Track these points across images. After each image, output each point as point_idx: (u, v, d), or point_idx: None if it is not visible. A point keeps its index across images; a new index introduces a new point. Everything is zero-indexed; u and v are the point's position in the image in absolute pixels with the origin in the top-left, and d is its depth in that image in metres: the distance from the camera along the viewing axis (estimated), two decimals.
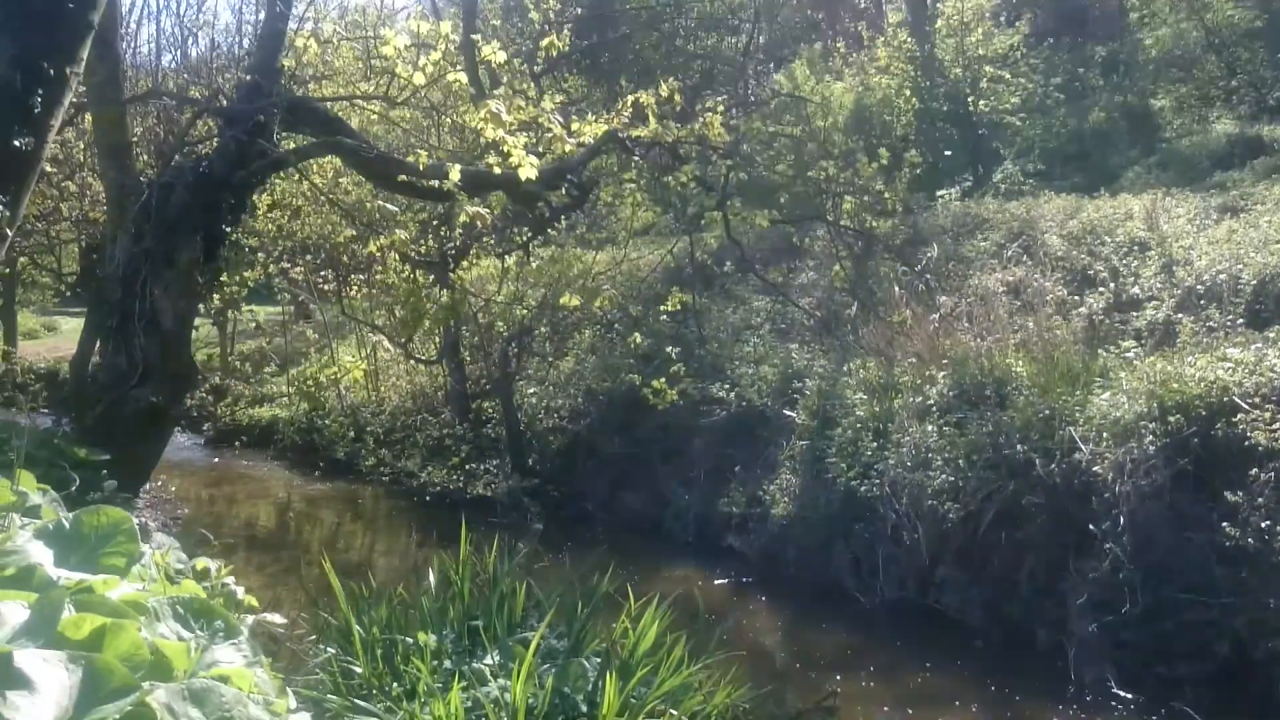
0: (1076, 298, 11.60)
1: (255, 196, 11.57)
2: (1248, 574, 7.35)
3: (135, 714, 1.64)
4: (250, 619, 2.39)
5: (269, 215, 12.18)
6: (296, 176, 10.99)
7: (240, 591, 2.45)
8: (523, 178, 5.48)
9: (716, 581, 10.61)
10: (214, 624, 2.15)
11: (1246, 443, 7.58)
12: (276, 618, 2.37)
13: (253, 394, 19.79)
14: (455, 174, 5.38)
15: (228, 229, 5.20)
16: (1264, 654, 7.01)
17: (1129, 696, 7.40)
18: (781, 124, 8.94)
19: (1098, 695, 7.50)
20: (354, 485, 15.72)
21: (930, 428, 9.63)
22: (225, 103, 5.86)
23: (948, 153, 19.35)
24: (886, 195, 8.04)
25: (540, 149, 6.18)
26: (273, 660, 5.03)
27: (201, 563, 2.40)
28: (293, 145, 6.38)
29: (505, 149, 4.99)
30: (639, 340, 9.90)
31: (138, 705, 1.63)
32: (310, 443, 17.51)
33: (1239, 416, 7.72)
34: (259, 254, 14.41)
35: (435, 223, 13.75)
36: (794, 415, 11.43)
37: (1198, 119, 18.24)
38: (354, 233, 10.81)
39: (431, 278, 10.56)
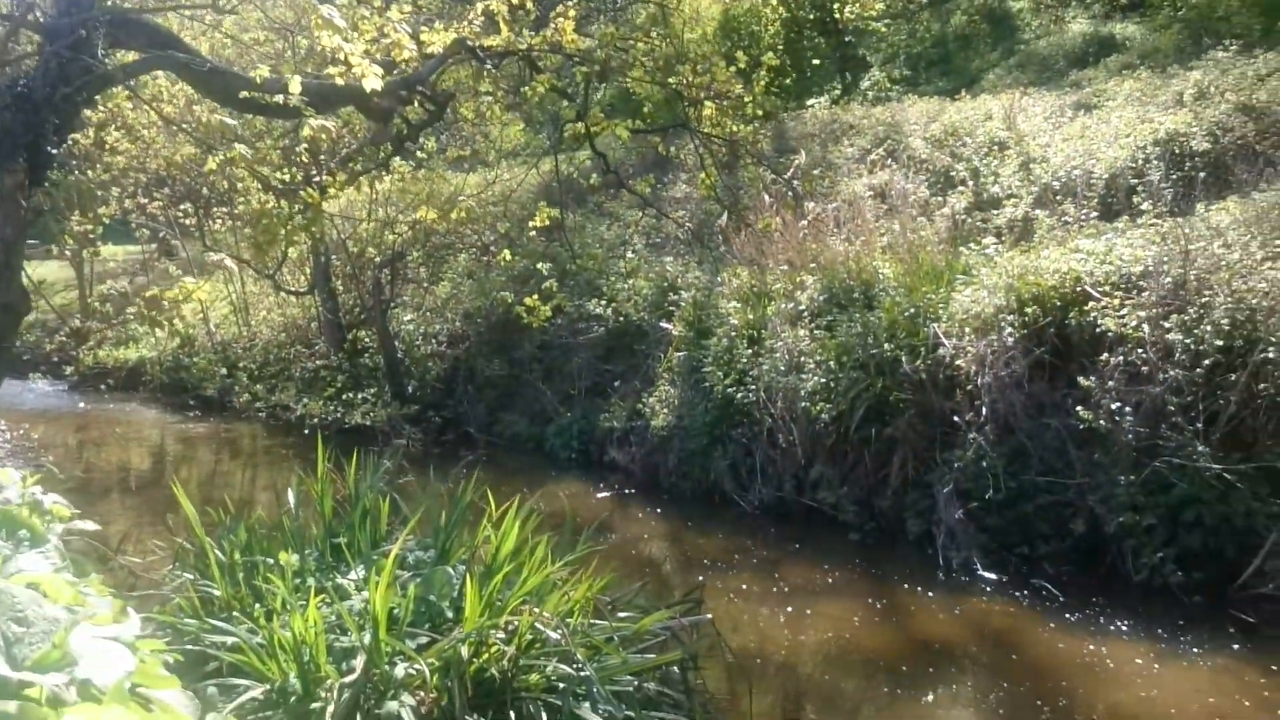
0: (940, 198, 11.83)
1: (103, 130, 11.08)
2: (1100, 455, 7.68)
3: None
4: (60, 528, 2.30)
5: (117, 147, 11.61)
6: (146, 106, 10.50)
7: (48, 501, 2.34)
8: (368, 89, 5.29)
9: (599, 495, 10.69)
10: (17, 533, 2.05)
11: (1098, 329, 7.86)
12: (87, 524, 2.28)
13: (117, 335, 19.11)
14: (295, 85, 5.17)
15: (53, 150, 4.92)
16: (1115, 529, 7.35)
17: (993, 577, 7.71)
18: (650, 37, 8.83)
19: (965, 578, 7.80)
20: (228, 422, 15.38)
21: (802, 332, 9.77)
22: (41, 16, 5.52)
23: (816, 61, 19.43)
24: (746, 99, 8.01)
25: (387, 56, 5.98)
26: (130, 590, 4.92)
27: (4, 474, 2.29)
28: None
29: (344, 58, 4.81)
30: (509, 257, 9.80)
31: None
32: (180, 381, 17.07)
33: (1090, 305, 7.99)
34: (112, 189, 13.81)
35: (295, 149, 13.32)
36: (670, 327, 11.49)
37: (1054, 19, 18.61)
38: (193, 150, 10.38)
39: (295, 205, 10.24)
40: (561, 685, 3.89)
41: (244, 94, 6.17)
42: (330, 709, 3.66)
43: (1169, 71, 12.65)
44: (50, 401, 17.96)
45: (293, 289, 15.95)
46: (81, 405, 17.50)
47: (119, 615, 2.38)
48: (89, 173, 13.12)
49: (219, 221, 16.35)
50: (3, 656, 1.68)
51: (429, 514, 5.16)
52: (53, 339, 18.92)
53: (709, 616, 5.08)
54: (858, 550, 8.55)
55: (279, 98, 6.25)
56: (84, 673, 1.69)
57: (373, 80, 5.18)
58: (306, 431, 13.72)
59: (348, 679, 3.74)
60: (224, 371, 16.52)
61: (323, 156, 12.06)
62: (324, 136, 5.23)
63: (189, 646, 4.04)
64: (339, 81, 5.76)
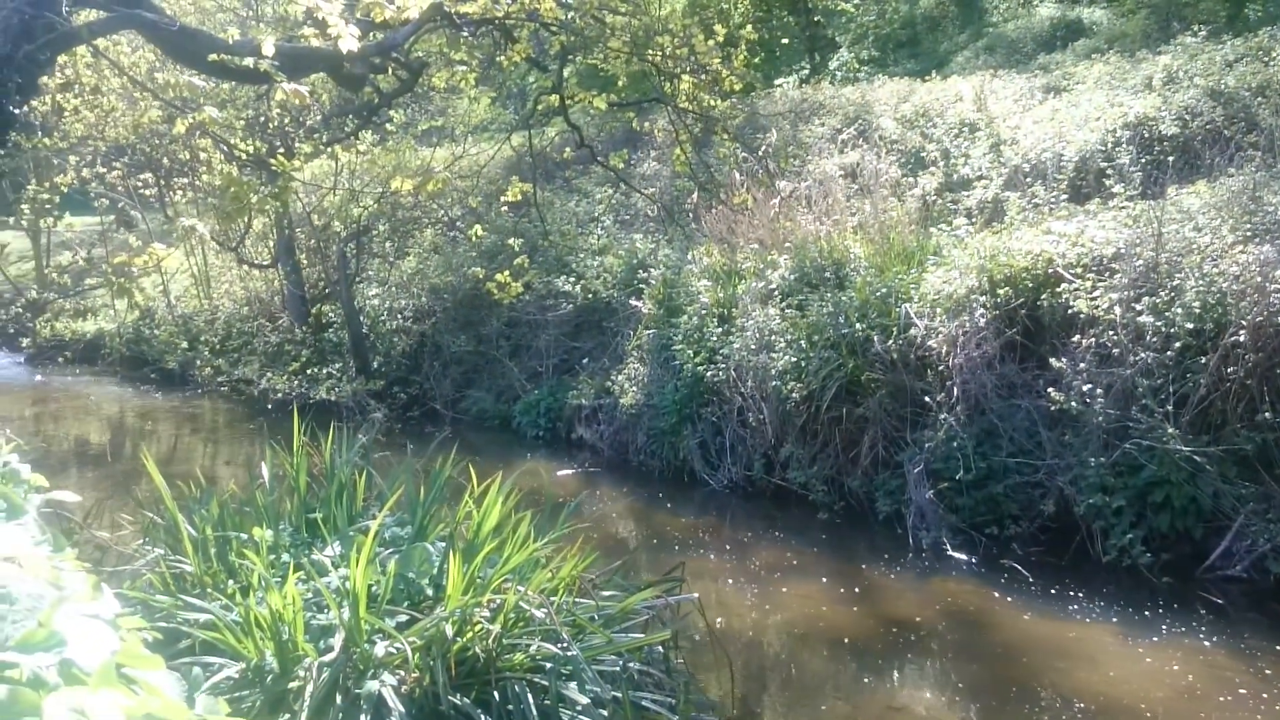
0: (910, 179, 11.83)
1: (61, 96, 10.81)
2: (1070, 435, 7.73)
3: None
4: (38, 499, 2.21)
5: (74, 111, 11.35)
6: (107, 71, 10.26)
7: (26, 470, 2.25)
8: (343, 50, 5.17)
9: (567, 472, 10.64)
10: None
11: (1069, 311, 7.90)
12: (69, 495, 2.20)
13: (75, 307, 18.78)
14: (268, 47, 5.03)
15: (15, 110, 4.77)
16: (1085, 510, 7.40)
17: (963, 557, 7.74)
18: (618, 10, 8.71)
19: (934, 558, 7.82)
20: (190, 396, 15.17)
21: (773, 311, 9.75)
22: None
23: (785, 41, 19.37)
24: (724, 74, 7.94)
25: (365, 17, 5.83)
26: (99, 565, 4.81)
27: None
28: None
29: (319, 16, 4.69)
30: (480, 233, 9.69)
31: None
32: (140, 354, 16.81)
33: (1062, 287, 8.02)
34: (70, 157, 13.51)
35: (263, 119, 13.11)
36: (640, 305, 11.42)
37: (1022, 3, 18.67)
38: (159, 113, 10.16)
39: (261, 176, 10.06)
40: (548, 665, 3.84)
41: (213, 57, 6.02)
42: (309, 688, 3.59)
43: (1137, 56, 12.71)
44: (5, 374, 17.64)
45: (256, 262, 15.72)
46: (38, 378, 17.18)
47: (94, 591, 2.30)
48: (46, 140, 12.83)
49: (180, 193, 16.06)
50: None
51: (405, 490, 5.08)
52: (8, 310, 18.57)
53: (695, 596, 5.05)
54: (827, 529, 8.56)
55: (249, 61, 6.11)
56: (68, 654, 1.62)
57: (349, 42, 5.05)
58: (270, 406, 13.55)
59: (327, 658, 3.67)
60: (185, 345, 16.27)
61: (288, 128, 11.86)
62: (297, 101, 5.09)
63: (161, 624, 3.94)
64: (313, 43, 5.63)
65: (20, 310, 18.58)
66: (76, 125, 11.81)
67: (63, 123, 11.95)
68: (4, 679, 1.53)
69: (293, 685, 3.69)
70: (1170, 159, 9.96)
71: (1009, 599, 7.01)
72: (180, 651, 3.93)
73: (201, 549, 4.49)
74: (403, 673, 3.75)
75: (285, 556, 4.42)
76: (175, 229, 15.81)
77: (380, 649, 3.79)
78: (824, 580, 7.53)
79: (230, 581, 4.32)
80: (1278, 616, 6.55)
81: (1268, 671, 5.86)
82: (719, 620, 6.65)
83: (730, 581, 7.63)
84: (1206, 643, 6.23)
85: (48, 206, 12.17)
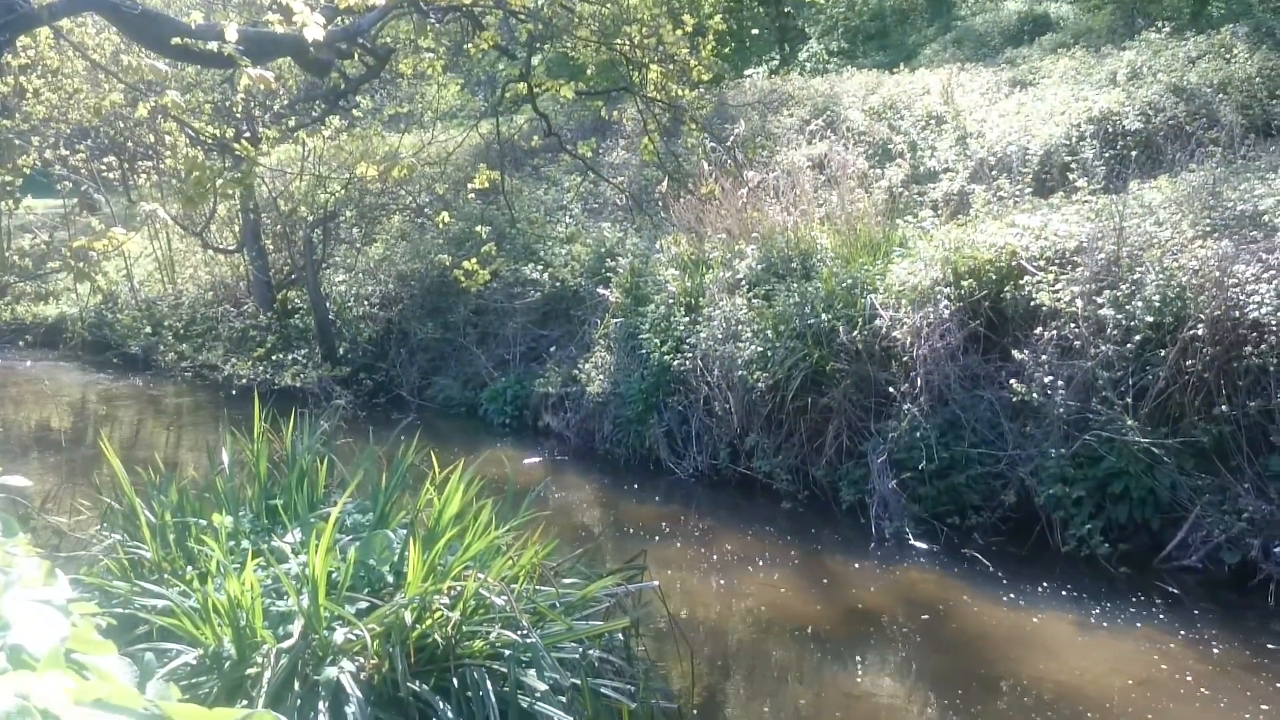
0: (878, 170, 11.87)
1: (24, 78, 10.65)
2: (1031, 427, 7.81)
3: None
4: None
5: (36, 93, 11.18)
6: (70, 53, 10.11)
7: None
8: (309, 39, 5.13)
9: (534, 460, 10.64)
10: None
11: (1032, 303, 7.96)
12: (19, 480, 2.17)
13: (36, 290, 18.55)
14: (231, 33, 4.98)
15: None
16: (1045, 500, 7.48)
17: (925, 546, 7.81)
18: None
19: (897, 547, 7.89)
20: (153, 381, 15.04)
21: (740, 300, 9.77)
22: None
23: (755, 31, 19.39)
24: (692, 64, 7.94)
25: (329, 2, 5.79)
26: (57, 551, 4.77)
27: None
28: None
29: (284, 2, 4.65)
30: (447, 220, 9.65)
31: None
32: (102, 339, 16.64)
33: (1025, 279, 8.09)
34: (32, 139, 13.32)
35: (228, 103, 12.97)
36: (607, 293, 11.42)
37: None
38: (121, 96, 10.03)
39: (225, 160, 9.96)
40: (507, 652, 3.85)
41: (176, 40, 5.96)
42: (267, 674, 3.58)
43: (1102, 51, 12.81)
44: None
45: (221, 247, 15.58)
46: None
47: (47, 577, 2.28)
48: (7, 122, 12.64)
49: (143, 176, 15.87)
50: None
51: (367, 477, 5.07)
52: None
53: (656, 584, 5.07)
54: (791, 519, 8.61)
55: (213, 46, 6.05)
56: (16, 638, 1.61)
57: (314, 29, 5.01)
58: (234, 392, 13.45)
59: (285, 644, 3.66)
60: (149, 329, 16.12)
61: (257, 112, 11.76)
62: (263, 86, 5.05)
63: (118, 610, 3.92)
64: (278, 30, 5.58)
65: None
66: (38, 107, 11.64)
67: (24, 104, 11.78)
68: None
69: (250, 671, 3.68)
70: (1133, 154, 10.07)
71: (970, 588, 7.08)
72: (137, 638, 3.91)
73: (160, 535, 4.46)
74: (362, 659, 3.74)
75: (245, 543, 4.39)
76: (138, 213, 15.65)
77: (339, 636, 3.78)
78: (787, 569, 7.58)
79: (189, 568, 4.30)
80: (1232, 606, 6.65)
81: (1221, 661, 5.96)
82: (682, 609, 6.69)
83: (694, 570, 7.67)
84: (1163, 632, 6.32)
85: (8, 189, 11.99)
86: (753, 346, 9.22)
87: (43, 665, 1.51)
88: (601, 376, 10.75)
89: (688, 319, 10.05)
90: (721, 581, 7.47)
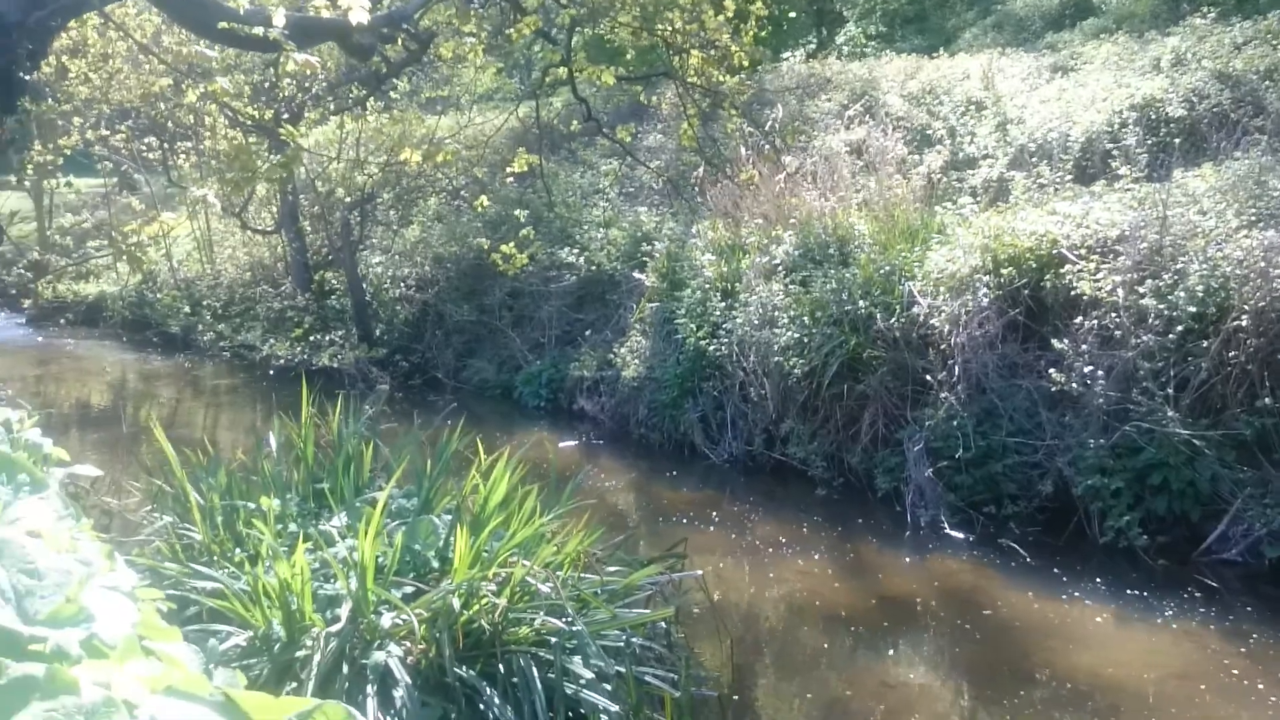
0: (916, 156, 11.81)
1: (68, 59, 10.76)
2: (1070, 417, 7.77)
3: None
4: (60, 472, 2.23)
5: (81, 76, 11.30)
6: (114, 35, 10.21)
7: (48, 444, 2.27)
8: (354, 22, 5.17)
9: (568, 443, 10.69)
10: (17, 478, 1.98)
11: (1073, 292, 7.91)
12: (90, 470, 2.22)
13: (77, 269, 18.79)
14: (279, 18, 5.03)
15: (26, 76, 4.77)
16: (1083, 491, 7.45)
17: (960, 535, 7.79)
18: None
19: (932, 536, 7.88)
20: (192, 361, 15.21)
21: (776, 286, 9.76)
22: None
23: (792, 14, 19.28)
24: (734, 49, 7.92)
25: None
26: (105, 533, 4.85)
27: (0, 413, 2.21)
28: None
29: None
30: (485, 204, 9.70)
31: None
32: (142, 318, 16.84)
33: (1066, 268, 8.03)
34: (74, 119, 13.47)
35: (268, 84, 13.07)
36: (643, 278, 11.44)
37: None
38: (169, 81, 10.12)
39: (266, 143, 10.04)
40: (553, 639, 3.89)
41: (222, 25, 6.01)
42: (316, 657, 3.64)
43: (1146, 37, 12.66)
44: (7, 334, 17.67)
45: (260, 227, 15.71)
46: (39, 339, 17.21)
47: (108, 560, 2.33)
48: (52, 103, 12.78)
49: (183, 157, 16.02)
50: (13, 610, 1.64)
51: (411, 461, 5.12)
52: (10, 271, 18.56)
53: (699, 573, 5.10)
54: (826, 506, 8.61)
55: (258, 30, 6.09)
56: (95, 628, 1.65)
57: (359, 14, 5.05)
58: (271, 372, 13.59)
59: (334, 628, 3.72)
60: (188, 309, 16.31)
61: (300, 94, 11.83)
62: (308, 71, 5.10)
63: (170, 591, 3.99)
64: (323, 14, 5.62)
65: (22, 271, 18.59)
66: (81, 89, 11.76)
67: (67, 85, 11.90)
68: (30, 654, 1.56)
69: (299, 654, 3.74)
70: (1176, 141, 9.96)
71: (1005, 578, 7.06)
72: (188, 619, 3.98)
73: (209, 517, 4.53)
74: (409, 644, 3.80)
75: (292, 526, 4.46)
76: (179, 193, 15.82)
77: (387, 620, 3.84)
78: (822, 556, 7.59)
79: (238, 550, 4.37)
80: (1272, 600, 6.61)
81: (1261, 655, 5.93)
82: (717, 595, 6.71)
83: (729, 556, 7.69)
84: (1200, 625, 6.29)
85: (51, 168, 12.13)
86: (789, 332, 9.21)
87: (119, 653, 1.55)
88: (636, 361, 10.77)
89: (724, 304, 10.05)
90: (756, 567, 7.49)
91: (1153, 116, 10.48)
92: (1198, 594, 6.69)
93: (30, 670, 1.43)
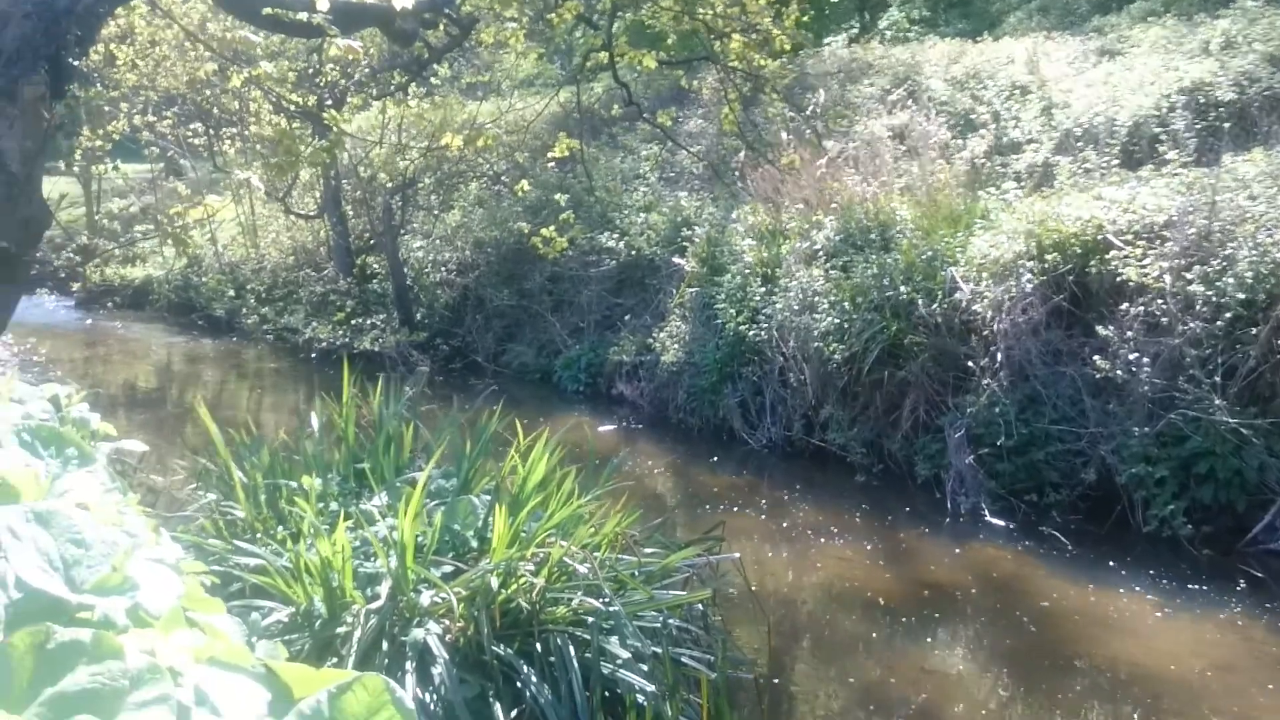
0: (959, 141, 11.67)
1: (115, 46, 10.89)
2: (1114, 404, 7.68)
3: None
4: (107, 447, 2.28)
5: (129, 63, 11.43)
6: (161, 22, 10.31)
7: (95, 420, 2.32)
8: (397, 8, 5.19)
9: (607, 427, 10.72)
10: (66, 451, 2.02)
11: (1118, 279, 7.81)
12: (136, 444, 2.26)
13: (124, 253, 19.06)
14: (322, 3, 5.06)
15: (75, 62, 4.82)
16: (1127, 479, 7.37)
17: (1001, 523, 7.74)
18: None
19: (972, 523, 7.83)
20: (236, 343, 15.40)
21: (817, 271, 9.72)
22: None
23: None
24: (775, 33, 7.88)
25: None
26: (151, 509, 4.93)
27: (50, 389, 2.25)
28: None
29: None
30: (526, 188, 9.73)
31: None
32: (188, 301, 17.07)
33: (1112, 254, 7.93)
34: (122, 105, 13.64)
35: (311, 70, 13.16)
36: (683, 263, 11.43)
37: None
38: (215, 67, 10.22)
39: (309, 128, 10.12)
40: (590, 619, 3.91)
41: (267, 10, 6.05)
42: (356, 634, 3.68)
43: (1195, 20, 12.42)
44: (56, 317, 17.96)
45: (303, 212, 15.85)
46: (88, 322, 17.50)
47: (154, 535, 2.37)
48: (100, 89, 12.94)
49: (228, 142, 16.17)
50: (61, 579, 1.67)
51: (450, 443, 5.16)
52: (60, 255, 18.86)
53: (736, 555, 5.11)
54: (865, 492, 8.58)
55: (302, 15, 6.13)
56: (141, 598, 1.67)
57: None
58: (314, 355, 13.73)
59: (374, 605, 3.76)
60: (232, 292, 16.51)
61: (343, 80, 11.91)
62: (350, 57, 5.13)
63: (214, 567, 4.05)
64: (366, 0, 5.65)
65: (71, 255, 18.87)
66: (129, 76, 11.90)
67: (114, 72, 12.05)
68: (78, 621, 1.59)
69: (340, 631, 3.79)
70: (1226, 126, 9.77)
71: (1046, 566, 7.01)
72: (231, 594, 4.04)
73: (252, 495, 4.60)
74: (448, 622, 3.83)
75: (334, 505, 4.51)
76: (224, 178, 15.98)
77: (426, 598, 3.88)
78: (861, 542, 7.57)
79: (280, 528, 4.43)
80: None
81: None
82: (755, 579, 6.71)
83: (767, 540, 7.69)
84: (1246, 616, 6.21)
85: (99, 154, 12.29)
86: (829, 318, 9.17)
87: (164, 623, 1.58)
88: (676, 346, 10.78)
89: (764, 289, 10.03)
90: (795, 552, 7.48)
91: (1201, 100, 10.28)
92: (1242, 584, 6.61)
93: (78, 635, 1.46)
